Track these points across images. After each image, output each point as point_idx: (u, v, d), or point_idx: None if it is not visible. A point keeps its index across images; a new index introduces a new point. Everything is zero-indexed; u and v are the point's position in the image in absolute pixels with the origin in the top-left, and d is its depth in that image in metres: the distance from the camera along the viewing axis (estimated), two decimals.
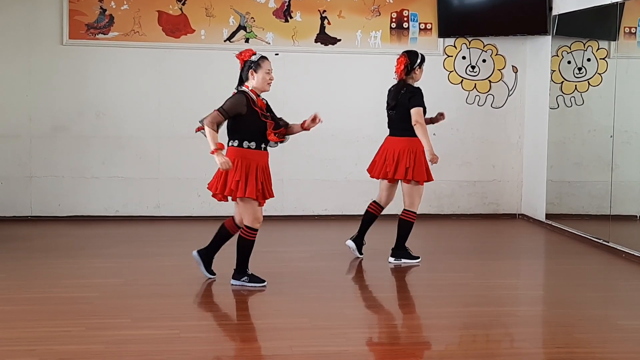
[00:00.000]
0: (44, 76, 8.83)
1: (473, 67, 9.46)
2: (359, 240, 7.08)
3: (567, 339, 5.02)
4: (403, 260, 6.92)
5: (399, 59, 6.81)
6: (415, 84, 6.83)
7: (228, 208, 9.06)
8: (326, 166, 9.25)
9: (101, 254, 7.22)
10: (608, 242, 7.66)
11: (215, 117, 5.79)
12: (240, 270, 6.02)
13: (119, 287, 6.01)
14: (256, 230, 5.95)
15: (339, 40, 9.19)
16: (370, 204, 7.12)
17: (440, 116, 7.01)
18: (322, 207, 9.28)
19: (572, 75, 8.77)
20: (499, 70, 9.51)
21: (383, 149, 6.92)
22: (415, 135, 6.76)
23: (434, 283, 6.50)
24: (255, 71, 5.88)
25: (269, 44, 9.04)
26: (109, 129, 8.95)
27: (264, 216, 6.08)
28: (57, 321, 5.11)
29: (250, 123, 5.84)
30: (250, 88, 5.89)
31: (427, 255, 7.11)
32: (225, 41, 9.02)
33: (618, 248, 7.45)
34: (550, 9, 8.90)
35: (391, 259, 6.94)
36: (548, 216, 8.98)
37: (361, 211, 9.31)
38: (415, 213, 6.90)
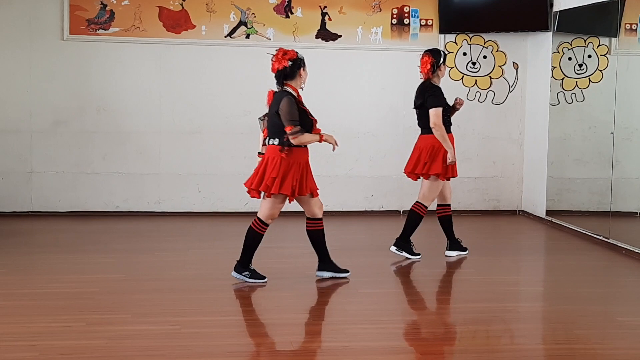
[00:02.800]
0: (44, 71, 8.82)
1: (474, 64, 9.45)
2: (454, 242, 7.13)
3: (567, 335, 5.03)
4: (404, 254, 6.91)
5: (423, 58, 6.83)
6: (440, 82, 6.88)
7: (229, 204, 9.14)
8: (327, 162, 9.23)
9: (102, 249, 7.23)
10: (608, 239, 7.66)
11: (297, 131, 5.73)
12: (243, 263, 6.03)
13: (120, 283, 6.01)
14: (267, 225, 6.00)
15: (340, 36, 9.19)
16: (437, 207, 7.12)
17: (457, 104, 7.00)
18: (322, 203, 9.24)
19: (572, 72, 8.76)
20: (500, 66, 9.51)
21: (416, 147, 6.97)
22: None
23: (434, 279, 6.50)
24: (304, 69, 5.91)
25: (270, 39, 9.03)
26: (110, 125, 8.95)
27: None
28: (57, 316, 5.12)
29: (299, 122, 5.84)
30: (292, 87, 5.89)
31: (427, 251, 7.11)
32: (226, 37, 9.01)
33: (618, 244, 7.45)
34: (551, 5, 8.89)
35: (393, 248, 6.95)
36: (548, 212, 8.98)
37: (362, 207, 9.41)
38: (426, 207, 6.94)
